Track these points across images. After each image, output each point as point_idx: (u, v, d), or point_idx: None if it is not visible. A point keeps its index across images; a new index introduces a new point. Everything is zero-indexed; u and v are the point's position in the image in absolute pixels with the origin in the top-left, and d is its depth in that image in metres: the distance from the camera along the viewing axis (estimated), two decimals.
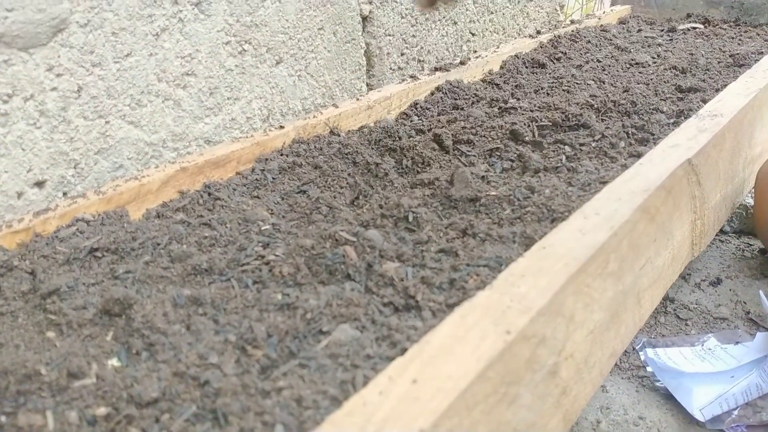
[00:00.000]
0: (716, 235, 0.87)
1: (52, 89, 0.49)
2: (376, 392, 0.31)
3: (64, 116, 0.50)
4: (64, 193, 0.52)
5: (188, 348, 0.35)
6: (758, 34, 1.05)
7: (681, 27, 1.13)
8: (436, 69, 0.83)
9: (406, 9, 0.79)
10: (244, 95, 0.63)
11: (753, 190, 0.76)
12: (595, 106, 0.74)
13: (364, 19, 0.74)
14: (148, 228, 0.49)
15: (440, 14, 0.85)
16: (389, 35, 0.78)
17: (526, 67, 0.90)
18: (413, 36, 0.81)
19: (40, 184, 0.51)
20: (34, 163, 0.50)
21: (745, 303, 0.74)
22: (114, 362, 0.36)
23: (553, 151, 0.62)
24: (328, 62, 0.71)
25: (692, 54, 0.96)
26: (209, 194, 0.54)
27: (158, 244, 0.47)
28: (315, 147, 0.64)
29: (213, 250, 0.47)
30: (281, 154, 0.62)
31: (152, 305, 0.39)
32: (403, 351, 0.35)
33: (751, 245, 0.85)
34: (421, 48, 0.83)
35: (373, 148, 0.66)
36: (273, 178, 0.58)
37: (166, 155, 0.58)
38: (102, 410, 0.32)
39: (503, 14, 0.95)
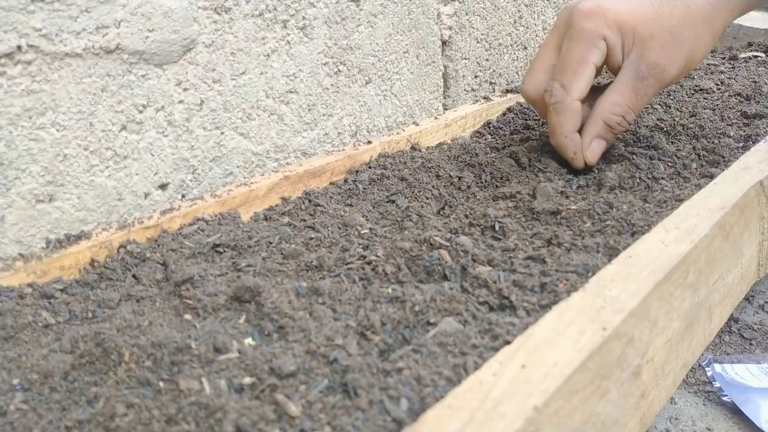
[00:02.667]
0: None
1: (179, 102, 0.55)
2: (489, 374, 0.35)
3: (187, 126, 0.56)
4: (183, 196, 0.58)
5: (316, 331, 0.40)
6: None
7: (742, 55, 1.15)
8: (507, 91, 0.87)
9: (482, 34, 0.84)
10: (336, 112, 0.68)
11: None
12: (665, 129, 0.77)
13: (444, 43, 0.79)
14: (259, 229, 0.54)
15: (512, 39, 0.90)
16: (465, 59, 0.83)
17: (593, 91, 0.94)
18: (486, 60, 0.86)
19: (163, 187, 0.56)
20: (160, 167, 0.56)
21: None
22: (250, 341, 0.40)
23: (627, 170, 0.66)
24: (411, 83, 0.76)
25: (755, 82, 0.98)
26: (309, 201, 0.59)
27: (270, 243, 0.52)
28: (399, 161, 0.68)
29: (319, 250, 0.52)
30: (369, 167, 0.67)
31: (278, 293, 0.43)
32: (506, 342, 0.39)
33: None
34: (494, 71, 0.88)
35: (452, 163, 0.70)
36: (364, 189, 0.63)
37: (268, 164, 0.64)
38: (247, 380, 0.36)
39: None
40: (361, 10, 0.67)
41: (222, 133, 0.59)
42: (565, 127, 0.64)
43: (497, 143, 0.77)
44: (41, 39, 0.46)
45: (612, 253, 0.50)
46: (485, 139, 0.79)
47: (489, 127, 0.82)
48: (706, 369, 0.67)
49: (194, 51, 0.55)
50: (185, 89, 0.55)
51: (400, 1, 0.70)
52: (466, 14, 0.80)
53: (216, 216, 0.55)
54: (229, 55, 0.57)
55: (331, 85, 0.66)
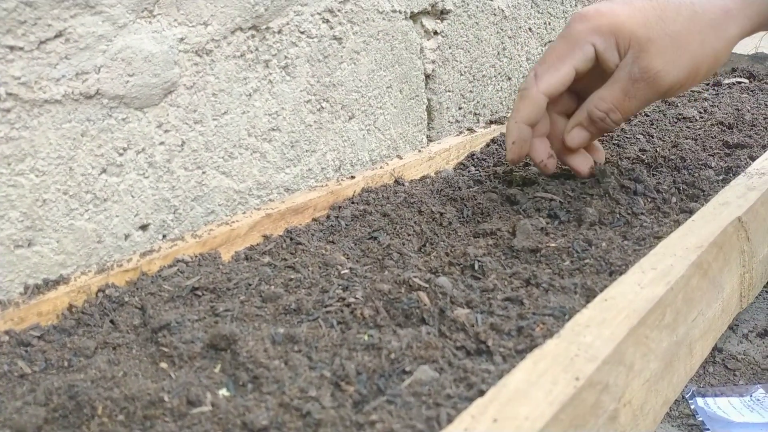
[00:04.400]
0: (764, 286, 0.89)
1: (160, 143, 0.55)
2: (461, 429, 0.35)
3: (168, 167, 0.56)
4: (164, 236, 0.58)
5: (290, 381, 0.40)
6: None
7: (726, 81, 1.17)
8: (491, 122, 0.88)
9: (465, 67, 0.84)
10: (320, 148, 0.69)
11: None
12: (646, 160, 0.78)
13: (427, 77, 0.80)
14: (239, 269, 0.54)
15: (496, 70, 0.90)
16: (449, 91, 0.83)
17: None
18: (470, 91, 0.86)
19: (144, 227, 0.57)
20: (141, 208, 0.56)
21: None
22: (224, 392, 0.40)
23: (608, 204, 0.66)
24: (394, 117, 0.76)
25: (738, 109, 0.99)
26: (291, 239, 0.60)
27: (250, 285, 0.52)
28: (383, 196, 0.69)
29: (299, 292, 0.52)
30: (352, 202, 0.67)
31: (254, 341, 0.44)
32: (480, 392, 0.39)
33: None
34: (478, 102, 0.88)
35: (435, 198, 0.71)
36: (346, 225, 0.64)
37: (251, 202, 0.64)
38: None
39: None
40: (344, 47, 0.67)
41: (203, 172, 0.59)
42: (521, 114, 0.62)
43: (480, 175, 0.77)
44: (20, 87, 0.46)
45: (589, 294, 0.50)
46: (469, 171, 0.79)
47: (473, 159, 0.82)
48: (690, 402, 0.67)
49: (175, 93, 0.55)
50: (166, 131, 0.55)
51: (382, 37, 0.71)
52: (449, 48, 0.80)
53: (196, 257, 0.56)
54: (211, 96, 0.58)
55: (314, 121, 0.67)
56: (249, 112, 0.61)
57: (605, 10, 0.60)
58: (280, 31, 0.61)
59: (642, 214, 0.65)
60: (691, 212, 0.63)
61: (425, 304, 0.49)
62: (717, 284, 0.61)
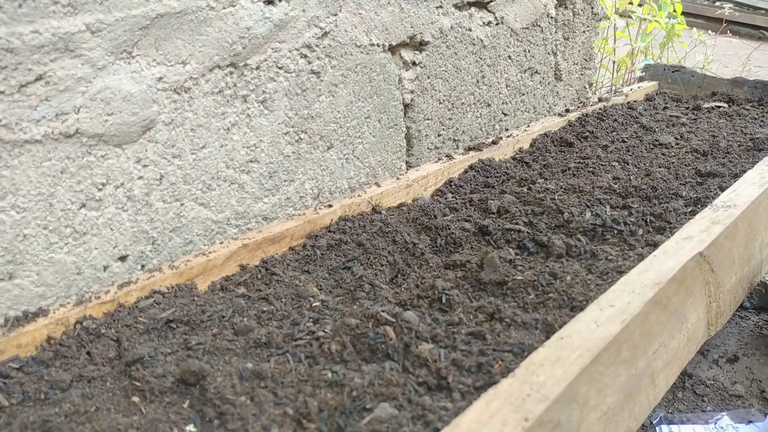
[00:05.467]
0: (736, 311, 0.91)
1: (139, 178, 0.57)
2: None
3: (147, 200, 0.58)
4: (142, 266, 0.60)
5: (253, 419, 0.42)
6: None
7: (706, 105, 1.19)
8: (469, 148, 0.90)
9: (444, 95, 0.87)
10: (298, 177, 0.71)
11: None
12: (617, 190, 0.80)
13: (406, 106, 0.82)
14: (214, 301, 0.56)
15: (475, 98, 0.92)
16: (428, 119, 0.85)
17: (555, 146, 0.97)
18: (450, 119, 0.89)
19: (123, 258, 0.58)
20: (120, 240, 0.58)
21: (760, 381, 0.78)
22: (191, 428, 0.42)
23: (576, 237, 0.68)
24: (373, 146, 0.78)
25: (714, 136, 1.01)
26: (266, 269, 0.62)
27: (223, 317, 0.54)
28: (359, 225, 0.71)
29: (270, 324, 0.54)
30: (329, 231, 0.69)
31: (222, 377, 0.45)
32: (436, 431, 0.41)
33: None
34: (457, 129, 0.90)
35: (410, 226, 0.72)
36: (322, 254, 0.65)
37: (229, 231, 0.66)
38: None
39: (534, 95, 1.02)
40: (322, 81, 0.69)
41: (182, 204, 0.61)
42: None
43: (456, 202, 0.79)
44: (1, 129, 0.48)
45: (549, 330, 0.52)
46: (446, 198, 0.81)
47: (450, 186, 0.84)
48: (656, 428, 0.69)
49: (154, 129, 0.57)
50: (145, 166, 0.57)
51: (360, 70, 0.73)
52: (428, 78, 0.83)
53: (173, 288, 0.57)
54: (189, 131, 0.60)
55: (293, 152, 0.69)
56: (227, 145, 0.63)
57: None
58: (258, 68, 0.63)
59: (609, 246, 0.67)
60: (656, 245, 0.65)
61: (391, 339, 0.51)
62: (680, 316, 0.63)
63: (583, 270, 0.62)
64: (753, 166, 0.85)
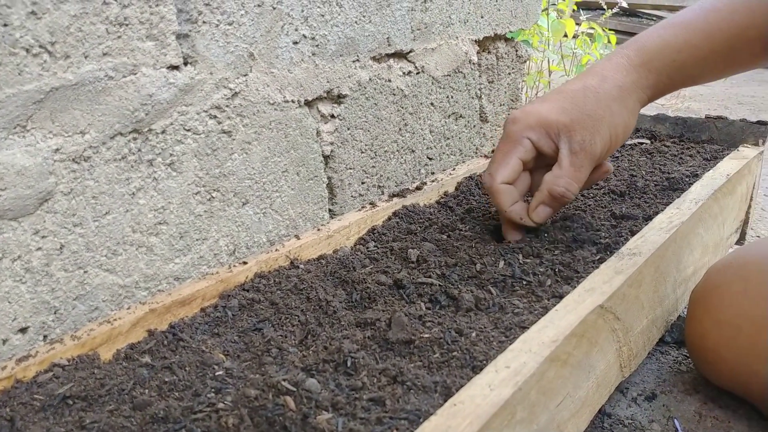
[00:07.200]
0: (657, 345, 0.93)
1: (37, 249, 0.57)
2: None
3: (47, 271, 0.58)
4: (45, 337, 0.59)
5: None
6: (698, 152, 1.15)
7: (629, 142, 1.23)
8: (394, 195, 0.91)
9: (366, 145, 0.88)
10: (212, 235, 0.71)
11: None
12: (531, 238, 0.82)
13: (326, 157, 0.82)
14: (116, 373, 0.56)
15: (398, 145, 0.94)
16: (350, 169, 0.86)
17: (479, 188, 0.99)
18: (373, 167, 0.90)
19: (23, 330, 0.57)
20: (19, 313, 0.57)
21: (675, 419, 0.80)
22: None
23: (486, 288, 0.70)
24: (292, 198, 0.79)
25: (633, 175, 1.05)
26: (174, 335, 0.61)
27: (123, 390, 0.54)
28: (274, 281, 0.71)
29: (171, 396, 0.54)
30: (243, 289, 0.69)
31: None
32: None
33: (687, 357, 0.91)
34: (381, 175, 0.92)
35: (327, 281, 0.73)
36: (233, 315, 0.65)
37: (138, 295, 0.65)
38: None
39: (459, 138, 1.04)
40: (234, 139, 0.70)
41: (85, 272, 0.60)
42: (503, 203, 0.78)
43: (377, 252, 0.80)
44: None
45: (447, 393, 0.53)
46: (367, 247, 0.82)
47: (374, 233, 0.85)
48: None
49: (52, 200, 0.57)
50: (43, 237, 0.57)
51: (275, 126, 0.74)
52: (348, 129, 0.84)
53: (74, 360, 0.57)
54: (91, 199, 0.59)
55: (205, 211, 0.69)
56: (133, 210, 0.63)
57: (530, 110, 0.76)
58: (164, 132, 0.63)
59: (517, 297, 0.68)
60: (562, 297, 0.67)
61: (290, 410, 0.51)
62: (585, 366, 0.64)
63: (489, 325, 0.63)
64: (666, 208, 0.88)
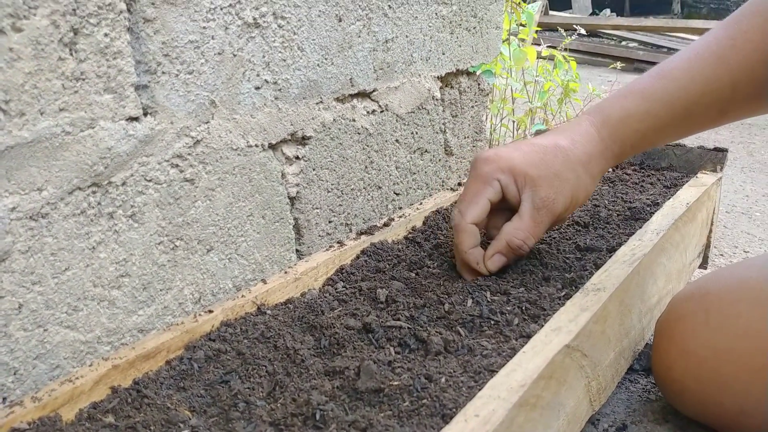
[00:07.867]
0: (626, 374, 0.94)
1: None
2: None
3: (5, 331, 0.56)
4: (3, 399, 0.57)
5: None
6: (659, 180, 1.18)
7: None
8: (362, 232, 0.91)
9: (332, 184, 0.88)
10: (176, 284, 0.70)
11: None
12: (497, 276, 0.82)
13: (292, 199, 0.82)
14: None
15: (365, 183, 0.94)
16: (317, 208, 0.86)
17: (446, 222, 0.99)
18: (340, 205, 0.90)
19: None
20: None
21: None
22: None
23: (455, 330, 0.70)
24: (258, 242, 0.78)
25: (596, 205, 1.07)
26: (138, 391, 0.60)
27: None
28: (241, 329, 0.70)
29: None
30: (210, 339, 0.68)
31: None
32: None
33: (656, 385, 0.92)
34: (348, 213, 0.92)
35: (295, 326, 0.72)
36: (199, 367, 0.64)
37: (100, 350, 0.64)
38: None
39: (425, 172, 1.05)
40: (197, 187, 0.69)
41: (45, 330, 0.59)
42: (465, 244, 0.80)
43: (346, 292, 0.80)
44: None
45: None
46: (336, 288, 0.82)
47: (342, 273, 0.85)
48: None
49: (9, 260, 0.55)
50: (1, 297, 0.55)
51: (239, 171, 0.74)
52: (314, 169, 0.84)
53: (35, 423, 0.55)
54: (50, 256, 0.58)
55: (168, 260, 0.68)
56: (93, 264, 0.61)
57: (503, 154, 0.78)
58: (124, 183, 0.62)
59: (485, 338, 0.69)
60: (529, 336, 0.67)
61: None
62: (554, 406, 0.65)
63: (459, 369, 0.63)
64: (628, 239, 0.89)
